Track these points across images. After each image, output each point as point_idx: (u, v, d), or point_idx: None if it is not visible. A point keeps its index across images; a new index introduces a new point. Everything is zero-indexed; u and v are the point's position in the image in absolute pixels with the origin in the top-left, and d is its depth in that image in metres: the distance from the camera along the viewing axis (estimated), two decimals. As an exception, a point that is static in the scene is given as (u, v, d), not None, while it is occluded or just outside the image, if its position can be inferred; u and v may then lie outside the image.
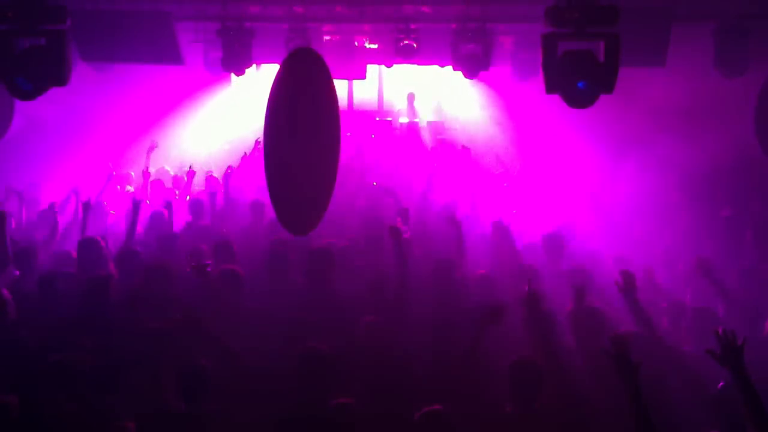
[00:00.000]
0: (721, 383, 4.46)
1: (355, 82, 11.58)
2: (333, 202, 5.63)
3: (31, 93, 6.38)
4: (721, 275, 6.17)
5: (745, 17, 8.08)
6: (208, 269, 5.71)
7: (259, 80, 11.14)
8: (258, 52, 8.54)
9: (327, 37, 8.97)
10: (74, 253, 6.85)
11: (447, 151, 10.08)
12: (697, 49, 8.30)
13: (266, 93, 5.31)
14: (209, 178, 9.54)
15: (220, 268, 6.06)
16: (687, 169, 9.12)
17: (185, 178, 9.36)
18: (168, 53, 8.30)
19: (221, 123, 11.68)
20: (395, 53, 8.62)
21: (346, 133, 8.70)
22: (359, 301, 6.04)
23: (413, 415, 4.38)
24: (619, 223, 7.93)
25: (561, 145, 10.19)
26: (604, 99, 6.29)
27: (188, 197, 8.88)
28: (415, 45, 8.48)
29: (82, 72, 8.24)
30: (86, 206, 7.41)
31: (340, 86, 7.99)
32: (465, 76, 8.90)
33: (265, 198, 5.85)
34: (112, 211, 8.64)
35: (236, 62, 8.38)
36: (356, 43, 9.36)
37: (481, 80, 10.13)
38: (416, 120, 11.49)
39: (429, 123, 11.42)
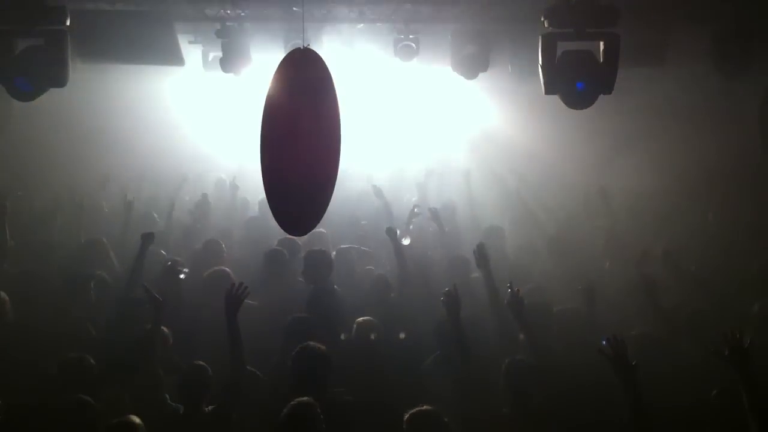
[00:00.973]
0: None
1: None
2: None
3: (30, 94, 6.38)
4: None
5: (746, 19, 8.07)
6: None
7: (258, 81, 11.12)
8: (257, 53, 8.53)
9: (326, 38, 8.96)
10: None
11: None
12: (697, 50, 8.29)
13: (264, 93, 5.33)
14: None
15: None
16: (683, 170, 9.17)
17: None
18: (169, 54, 8.28)
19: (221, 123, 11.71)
20: (394, 54, 8.62)
21: None
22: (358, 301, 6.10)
23: (404, 414, 4.39)
24: None
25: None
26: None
27: None
28: (414, 46, 8.48)
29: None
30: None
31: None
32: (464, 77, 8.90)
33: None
34: None
35: (235, 63, 8.38)
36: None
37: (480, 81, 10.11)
38: None
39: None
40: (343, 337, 5.79)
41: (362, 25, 8.61)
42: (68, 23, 6.27)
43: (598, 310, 5.76)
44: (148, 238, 6.72)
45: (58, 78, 6.30)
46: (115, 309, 6.12)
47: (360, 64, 9.51)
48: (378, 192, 9.12)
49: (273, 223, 4.03)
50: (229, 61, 8.35)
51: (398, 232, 7.07)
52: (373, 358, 5.41)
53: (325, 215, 4.06)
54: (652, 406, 4.12)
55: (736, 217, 8.19)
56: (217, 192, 10.02)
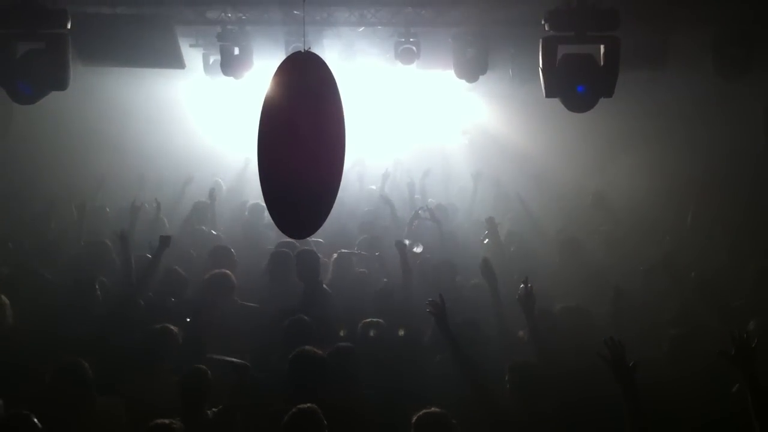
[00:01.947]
0: None
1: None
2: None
3: (31, 97, 6.38)
4: None
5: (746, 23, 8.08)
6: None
7: (257, 84, 11.13)
8: (258, 56, 8.55)
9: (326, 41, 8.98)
10: None
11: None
12: (697, 53, 8.30)
13: (263, 96, 5.34)
14: None
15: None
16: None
17: None
18: (170, 57, 8.29)
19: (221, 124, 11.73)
20: (395, 57, 8.64)
21: None
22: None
23: (411, 416, 4.38)
24: None
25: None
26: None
27: None
28: (414, 49, 8.50)
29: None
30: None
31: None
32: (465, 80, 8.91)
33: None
34: None
35: (236, 66, 8.39)
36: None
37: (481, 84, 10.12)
38: None
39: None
40: (342, 333, 5.78)
41: (363, 28, 8.63)
42: (69, 26, 6.28)
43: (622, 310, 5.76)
44: (165, 241, 6.55)
45: (59, 81, 6.30)
46: (121, 311, 6.09)
47: (361, 68, 9.54)
48: (386, 200, 9.13)
49: (262, 227, 4.03)
50: (229, 65, 8.36)
51: (407, 242, 7.04)
52: (378, 359, 5.40)
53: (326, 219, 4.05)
54: (651, 410, 4.11)
55: (736, 219, 8.19)
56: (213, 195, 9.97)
